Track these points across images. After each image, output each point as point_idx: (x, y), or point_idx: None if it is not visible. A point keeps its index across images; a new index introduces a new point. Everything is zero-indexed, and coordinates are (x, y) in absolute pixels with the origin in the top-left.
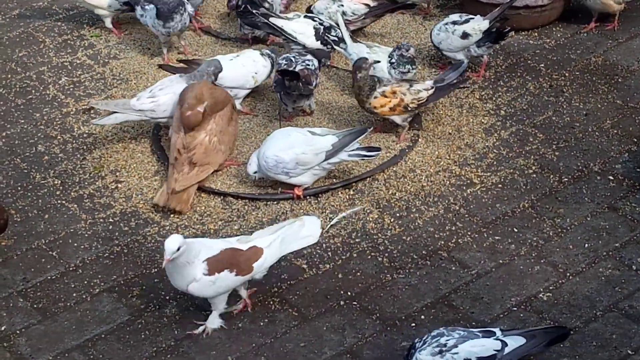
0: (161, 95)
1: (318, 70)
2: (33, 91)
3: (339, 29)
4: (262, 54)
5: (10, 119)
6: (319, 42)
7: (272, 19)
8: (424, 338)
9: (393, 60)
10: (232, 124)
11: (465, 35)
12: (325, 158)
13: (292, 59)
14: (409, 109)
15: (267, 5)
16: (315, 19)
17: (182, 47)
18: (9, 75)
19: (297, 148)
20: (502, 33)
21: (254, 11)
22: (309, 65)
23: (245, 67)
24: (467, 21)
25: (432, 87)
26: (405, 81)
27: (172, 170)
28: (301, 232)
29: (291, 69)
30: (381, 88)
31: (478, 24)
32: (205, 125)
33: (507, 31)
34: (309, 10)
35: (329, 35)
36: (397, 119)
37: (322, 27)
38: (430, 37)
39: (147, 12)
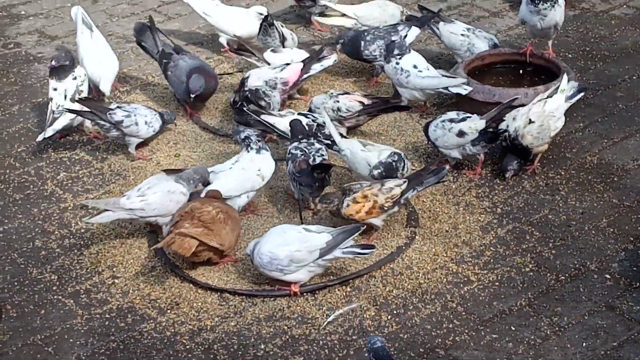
0: (150, 195)
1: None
2: (31, 186)
3: (327, 125)
4: (258, 152)
5: (7, 213)
6: (312, 138)
7: (263, 116)
8: None
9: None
10: (237, 219)
11: (461, 134)
12: (320, 256)
13: (306, 150)
14: (385, 208)
15: (263, 103)
16: (309, 115)
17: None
18: (8, 171)
19: (291, 245)
20: (498, 134)
21: (244, 108)
22: (323, 155)
23: (246, 170)
24: (464, 119)
25: (405, 182)
26: (376, 182)
27: (175, 225)
28: None
29: (310, 160)
30: (351, 195)
31: (475, 123)
32: (208, 201)
33: (502, 132)
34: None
35: (321, 132)
36: (377, 221)
37: (315, 124)
38: (427, 133)
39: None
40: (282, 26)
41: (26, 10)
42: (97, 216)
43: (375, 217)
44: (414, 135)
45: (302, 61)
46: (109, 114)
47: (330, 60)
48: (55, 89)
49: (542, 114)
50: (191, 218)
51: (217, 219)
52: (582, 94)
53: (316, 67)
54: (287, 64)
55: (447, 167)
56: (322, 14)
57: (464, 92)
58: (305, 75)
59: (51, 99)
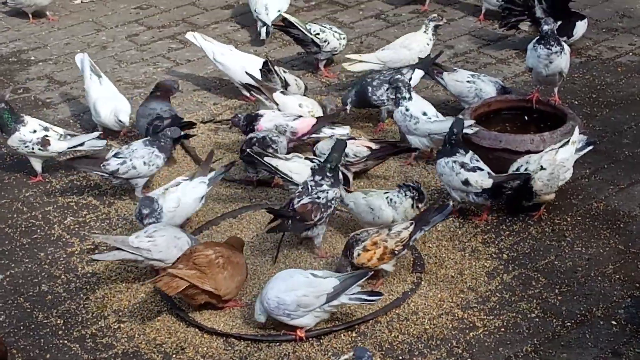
0: (157, 237)
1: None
2: (38, 231)
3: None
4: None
5: (14, 258)
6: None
7: (267, 159)
8: None
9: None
10: (242, 265)
11: (466, 183)
12: (327, 301)
13: (309, 188)
14: (396, 252)
15: (270, 150)
16: (314, 160)
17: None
18: (15, 215)
19: (298, 290)
20: (501, 192)
21: (247, 150)
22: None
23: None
24: (474, 170)
25: (412, 224)
26: (381, 228)
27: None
28: None
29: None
30: (360, 245)
31: (482, 180)
32: (215, 245)
33: (506, 191)
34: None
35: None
36: (388, 267)
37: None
38: (437, 166)
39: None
40: (284, 72)
41: (36, 56)
42: (104, 254)
43: (387, 262)
44: (420, 180)
45: (317, 118)
46: (103, 165)
47: (343, 130)
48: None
49: (553, 163)
50: (187, 260)
51: (214, 263)
52: (590, 147)
53: (326, 132)
54: (301, 116)
55: (452, 203)
56: (346, 60)
57: (470, 132)
58: (314, 135)
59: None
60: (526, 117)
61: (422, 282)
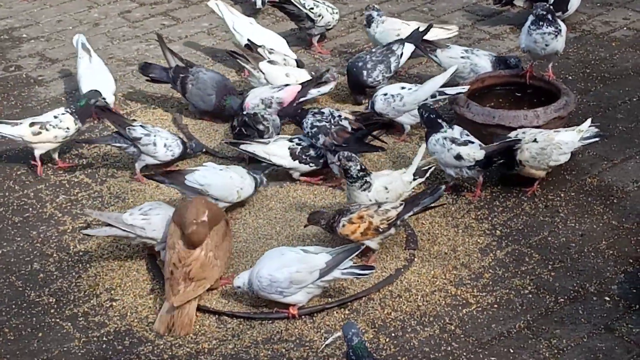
0: (153, 215)
1: None
2: (30, 209)
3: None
4: (249, 173)
5: (6, 236)
6: (297, 161)
7: (242, 146)
8: None
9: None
10: (226, 239)
11: (458, 157)
12: (319, 276)
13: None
14: (381, 230)
15: (261, 127)
16: (294, 139)
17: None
18: (7, 193)
19: (291, 267)
20: (492, 160)
21: (225, 142)
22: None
23: (233, 181)
24: (465, 143)
25: (401, 204)
26: (373, 204)
27: (169, 287)
28: None
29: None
30: (347, 216)
31: (474, 152)
32: (194, 230)
33: (498, 159)
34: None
35: (306, 155)
36: (372, 243)
37: (298, 147)
38: (426, 144)
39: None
40: (270, 52)
41: (27, 33)
42: (96, 229)
43: (371, 238)
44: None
45: (301, 84)
46: (129, 129)
47: (328, 87)
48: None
49: (548, 140)
50: (183, 277)
51: (207, 263)
52: (597, 139)
53: (313, 92)
54: (286, 85)
55: (444, 186)
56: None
57: (463, 90)
58: (301, 99)
59: None
60: (520, 93)
61: (415, 259)
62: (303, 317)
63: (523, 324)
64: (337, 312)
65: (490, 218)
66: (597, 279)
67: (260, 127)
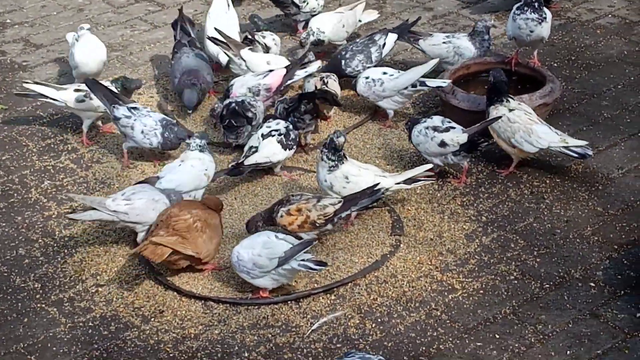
0: (136, 200)
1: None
2: (15, 194)
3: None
4: (201, 151)
5: None
6: (287, 150)
7: (245, 163)
8: None
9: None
10: (218, 226)
11: (443, 144)
12: (278, 264)
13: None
14: (317, 225)
15: (250, 114)
16: (273, 133)
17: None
18: None
19: (255, 249)
20: (477, 143)
21: (232, 166)
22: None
23: (195, 168)
24: (447, 130)
25: (340, 201)
26: (314, 197)
27: (151, 233)
28: None
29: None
30: (286, 206)
31: (457, 136)
32: (190, 207)
33: (482, 142)
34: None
35: (289, 141)
36: (305, 236)
37: (282, 137)
38: (410, 137)
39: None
40: (263, 37)
41: (11, 18)
42: (80, 214)
43: (307, 232)
44: (399, 144)
45: (286, 67)
46: (113, 106)
47: (314, 66)
48: None
49: (522, 120)
50: (166, 227)
51: (193, 227)
52: (578, 156)
53: (300, 73)
54: (271, 71)
55: (382, 189)
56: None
57: (444, 85)
58: (288, 81)
59: None
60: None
61: (401, 245)
62: (289, 302)
63: (509, 309)
64: (323, 298)
65: (475, 204)
66: (582, 265)
67: (249, 114)
